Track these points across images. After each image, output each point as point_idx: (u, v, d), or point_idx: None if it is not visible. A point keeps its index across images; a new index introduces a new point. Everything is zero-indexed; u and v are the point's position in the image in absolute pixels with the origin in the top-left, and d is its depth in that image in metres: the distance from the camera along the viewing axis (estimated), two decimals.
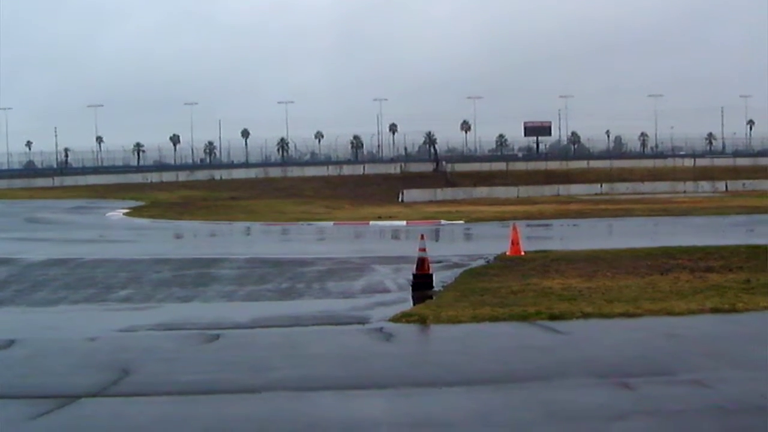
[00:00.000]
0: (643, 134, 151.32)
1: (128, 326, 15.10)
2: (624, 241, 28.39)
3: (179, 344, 13.18)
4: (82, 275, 23.83)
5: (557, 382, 10.17)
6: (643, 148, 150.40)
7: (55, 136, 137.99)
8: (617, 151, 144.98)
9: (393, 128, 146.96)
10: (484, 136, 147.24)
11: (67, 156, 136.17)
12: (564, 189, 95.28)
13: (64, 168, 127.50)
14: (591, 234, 36.61)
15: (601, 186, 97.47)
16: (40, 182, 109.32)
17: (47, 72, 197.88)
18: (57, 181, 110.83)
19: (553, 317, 14.05)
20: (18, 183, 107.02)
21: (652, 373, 10.42)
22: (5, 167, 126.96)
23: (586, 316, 14.25)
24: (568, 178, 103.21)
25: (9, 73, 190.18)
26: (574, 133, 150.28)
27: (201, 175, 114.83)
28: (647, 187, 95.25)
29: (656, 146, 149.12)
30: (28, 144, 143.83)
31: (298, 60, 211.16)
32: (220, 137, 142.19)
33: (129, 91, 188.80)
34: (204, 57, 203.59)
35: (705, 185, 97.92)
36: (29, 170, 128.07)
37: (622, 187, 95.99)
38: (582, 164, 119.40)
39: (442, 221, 47.48)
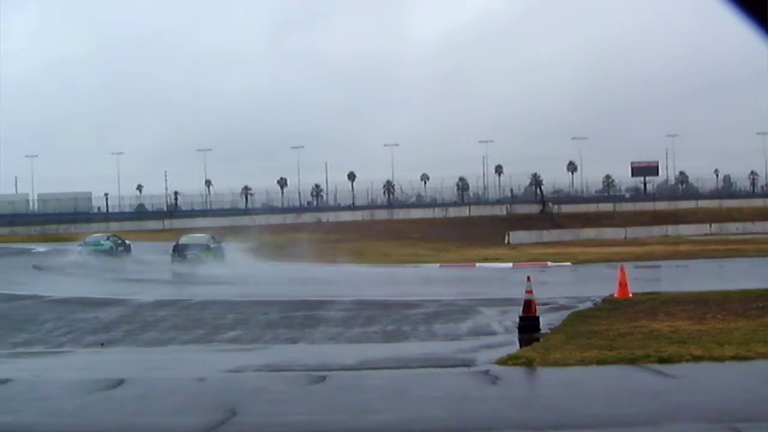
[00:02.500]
0: (752, 173, 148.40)
1: (236, 367, 15.25)
2: (735, 282, 27.78)
3: (286, 385, 13.23)
4: (190, 316, 24.20)
5: (666, 426, 9.96)
6: (753, 187, 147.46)
7: (165, 179, 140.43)
8: (726, 190, 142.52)
9: (499, 170, 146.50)
10: (590, 177, 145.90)
11: (176, 199, 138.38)
12: (672, 229, 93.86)
13: (173, 211, 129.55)
14: (700, 275, 35.97)
15: (710, 226, 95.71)
16: (151, 224, 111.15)
17: (157, 117, 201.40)
18: (167, 223, 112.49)
19: (661, 360, 13.76)
20: (129, 225, 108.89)
21: (764, 419, 10.17)
22: (117, 210, 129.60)
23: (695, 359, 13.91)
24: (676, 218, 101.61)
25: (121, 119, 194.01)
26: (681, 173, 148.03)
27: (308, 217, 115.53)
28: (758, 227, 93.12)
29: (766, 185, 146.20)
30: (139, 187, 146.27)
31: (403, 103, 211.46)
32: (326, 180, 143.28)
33: (237, 135, 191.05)
34: (310, 101, 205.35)
35: None
36: (140, 213, 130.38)
37: (731, 227, 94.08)
38: (690, 204, 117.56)
39: (549, 263, 47.18)
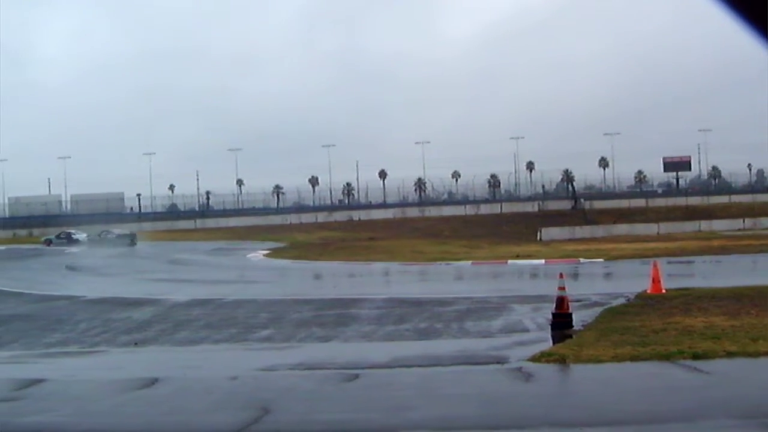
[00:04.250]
0: None
1: (269, 365, 15.27)
2: None
3: (319, 384, 13.22)
4: (223, 315, 24.26)
5: (701, 423, 9.87)
6: None
7: (197, 179, 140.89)
8: (760, 184, 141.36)
9: (530, 166, 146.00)
10: (622, 173, 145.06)
11: (208, 199, 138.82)
12: (705, 225, 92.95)
13: (205, 210, 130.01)
14: (734, 271, 35.67)
15: (744, 221, 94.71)
16: (183, 224, 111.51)
17: (190, 118, 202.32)
18: (198, 223, 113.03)
19: (696, 356, 13.64)
20: (161, 225, 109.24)
21: None
22: (149, 210, 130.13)
23: (730, 355, 13.79)
24: (709, 213, 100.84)
25: (153, 120, 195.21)
26: (714, 168, 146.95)
27: (339, 216, 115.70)
28: None
29: None
30: (171, 187, 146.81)
31: (434, 100, 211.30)
32: (357, 178, 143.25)
33: (268, 134, 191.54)
34: (341, 100, 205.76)
35: None
36: (172, 213, 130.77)
37: (765, 221, 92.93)
38: (723, 199, 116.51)
39: (581, 259, 46.88)
